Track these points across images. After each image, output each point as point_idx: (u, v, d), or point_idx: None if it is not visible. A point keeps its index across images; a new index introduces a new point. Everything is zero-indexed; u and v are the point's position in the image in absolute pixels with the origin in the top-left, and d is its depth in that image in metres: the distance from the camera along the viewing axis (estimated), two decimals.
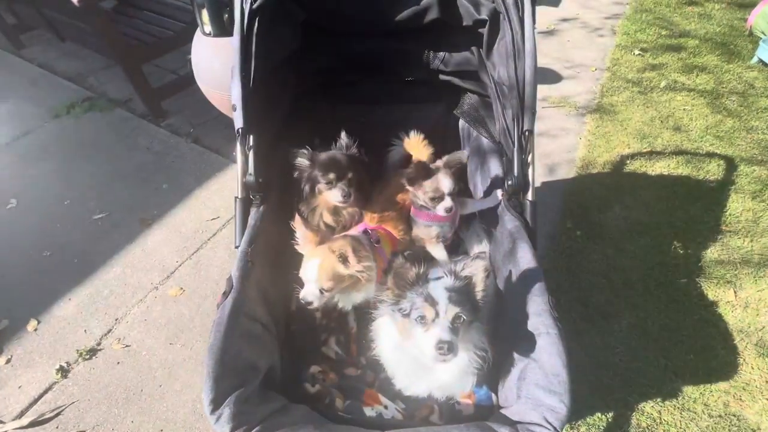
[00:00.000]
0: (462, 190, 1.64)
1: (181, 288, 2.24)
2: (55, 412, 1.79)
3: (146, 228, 2.54)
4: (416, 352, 0.99)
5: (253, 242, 1.17)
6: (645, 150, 3.07)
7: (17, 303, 2.17)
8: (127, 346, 2.01)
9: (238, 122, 1.19)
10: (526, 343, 0.97)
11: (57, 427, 1.76)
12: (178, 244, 2.45)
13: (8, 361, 1.96)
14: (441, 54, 1.55)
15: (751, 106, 3.46)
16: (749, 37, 4.27)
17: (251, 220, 1.24)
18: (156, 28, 3.39)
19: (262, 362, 1.02)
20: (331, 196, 1.45)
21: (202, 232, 2.52)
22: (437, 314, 0.94)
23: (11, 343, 2.02)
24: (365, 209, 1.47)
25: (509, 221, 1.25)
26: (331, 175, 1.42)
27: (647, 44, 4.25)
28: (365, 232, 1.36)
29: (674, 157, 3.01)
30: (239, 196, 1.28)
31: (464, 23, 1.33)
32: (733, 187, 2.79)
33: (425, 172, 1.39)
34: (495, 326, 1.22)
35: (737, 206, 2.65)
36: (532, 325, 0.98)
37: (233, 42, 1.17)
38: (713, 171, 2.91)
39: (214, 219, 2.60)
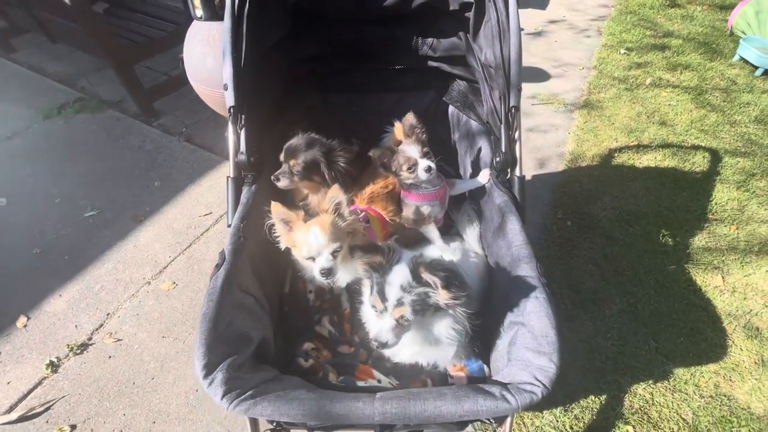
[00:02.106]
0: (448, 172, 1.65)
1: (174, 282, 2.22)
2: (45, 407, 1.76)
3: (138, 224, 2.53)
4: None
5: (245, 219, 1.18)
6: (632, 143, 3.13)
7: (5, 300, 2.14)
8: (119, 340, 1.99)
9: (230, 101, 1.20)
10: (516, 310, 0.99)
11: (47, 421, 1.73)
12: (171, 239, 2.45)
13: None
14: (429, 40, 1.58)
15: (734, 101, 3.55)
16: (730, 36, 4.40)
17: (243, 198, 1.25)
18: (147, 29, 3.41)
19: (254, 333, 1.02)
20: (279, 181, 1.45)
21: (194, 228, 2.51)
22: (385, 309, 0.97)
23: (0, 339, 1.99)
24: (352, 192, 1.47)
25: (498, 197, 1.27)
26: (282, 156, 1.44)
27: (632, 44, 4.36)
28: (354, 211, 1.37)
29: (661, 150, 3.07)
30: (231, 176, 1.29)
31: (451, 8, 1.36)
32: (718, 177, 2.85)
33: (390, 152, 1.39)
34: (486, 304, 1.24)
35: (723, 196, 2.71)
36: (521, 292, 1.00)
37: (224, 23, 1.19)
38: (699, 163, 2.97)
39: (206, 215, 2.59)
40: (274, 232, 1.20)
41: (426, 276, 0.93)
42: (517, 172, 1.28)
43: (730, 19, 4.44)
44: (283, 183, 1.41)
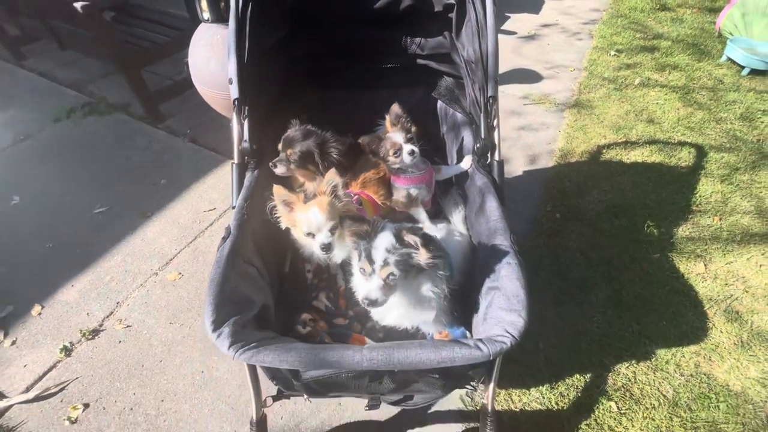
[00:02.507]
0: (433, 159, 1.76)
1: (180, 273, 2.33)
2: (59, 387, 1.87)
3: (146, 220, 2.65)
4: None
5: (248, 200, 1.29)
6: (620, 140, 3.24)
7: (21, 290, 2.25)
8: (128, 326, 2.10)
9: (234, 93, 1.32)
10: (493, 276, 1.09)
11: (61, 401, 1.83)
12: (177, 233, 2.56)
13: (13, 342, 2.03)
14: (417, 39, 1.70)
15: (720, 99, 3.66)
16: (718, 38, 4.52)
17: (246, 182, 1.36)
18: (153, 35, 3.56)
19: (257, 298, 1.13)
20: (277, 168, 1.58)
21: (199, 223, 2.63)
22: (373, 271, 1.08)
23: (16, 326, 2.10)
24: (346, 178, 1.60)
25: (479, 179, 1.38)
26: (279, 146, 1.58)
27: (622, 46, 4.49)
28: (348, 194, 1.48)
29: (648, 146, 3.18)
30: (235, 162, 1.40)
31: (436, 9, 1.49)
32: (703, 171, 2.96)
33: (378, 139, 1.52)
34: (469, 279, 1.34)
35: (707, 189, 2.81)
36: (497, 260, 1.10)
37: (230, 24, 1.31)
38: (684, 158, 3.08)
39: (210, 210, 2.71)
40: (275, 213, 1.32)
41: (408, 238, 1.05)
42: (497, 157, 1.39)
43: (717, 21, 4.56)
44: (280, 170, 1.53)
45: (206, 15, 1.52)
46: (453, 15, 1.43)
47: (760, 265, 2.36)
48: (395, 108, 1.51)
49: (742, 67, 3.98)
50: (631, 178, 2.92)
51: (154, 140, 3.30)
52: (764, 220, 2.60)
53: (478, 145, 1.39)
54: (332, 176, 1.31)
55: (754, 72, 3.93)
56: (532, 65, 4.28)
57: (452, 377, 1.05)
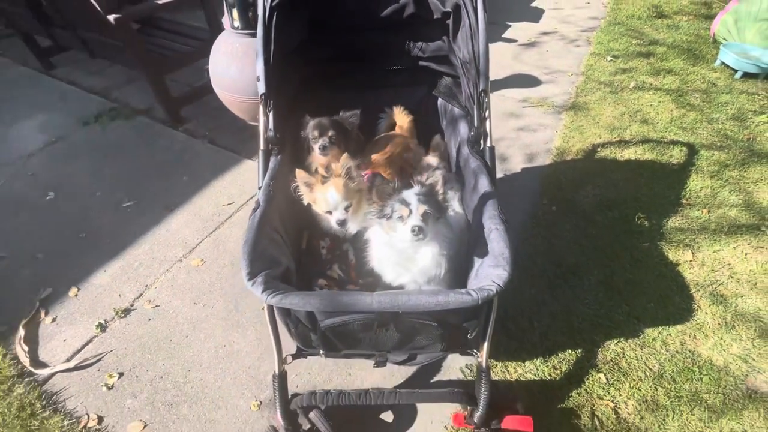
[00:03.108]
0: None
1: (202, 260, 2.53)
2: (97, 358, 2.07)
3: (170, 213, 2.86)
4: (400, 244, 1.31)
5: (273, 179, 1.48)
6: (615, 139, 3.41)
7: (59, 275, 2.47)
8: (156, 306, 2.30)
9: (261, 89, 1.53)
10: (483, 240, 1.26)
11: (98, 370, 2.03)
12: (199, 225, 2.77)
13: (54, 320, 2.24)
14: (419, 43, 1.91)
15: (713, 101, 3.82)
16: (713, 43, 4.69)
17: (271, 164, 1.56)
18: (175, 44, 3.82)
19: (282, 259, 1.31)
20: (315, 149, 1.88)
21: (219, 215, 2.84)
22: (411, 212, 1.29)
23: (55, 306, 2.31)
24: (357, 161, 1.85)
25: (473, 162, 1.56)
26: (315, 132, 1.86)
27: (619, 52, 4.68)
28: (360, 175, 1.68)
29: (641, 145, 3.34)
30: (261, 149, 1.60)
31: (435, 16, 1.69)
32: (693, 168, 3.11)
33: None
34: (462, 248, 1.52)
35: (697, 184, 2.96)
36: (486, 227, 1.27)
37: (258, 30, 1.52)
38: (676, 156, 3.23)
39: (229, 204, 2.92)
40: (298, 192, 1.52)
41: (430, 180, 1.34)
42: (488, 144, 1.57)
43: (712, 27, 4.74)
44: (327, 151, 1.85)
45: (236, 23, 1.75)
46: (450, 21, 1.63)
47: (746, 254, 2.50)
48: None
49: (735, 71, 4.14)
50: (624, 174, 3.08)
51: (175, 141, 3.54)
52: (751, 212, 2.74)
53: (472, 132, 1.58)
54: (346, 160, 1.51)
55: (747, 75, 4.09)
56: (531, 71, 4.47)
57: (449, 327, 1.22)
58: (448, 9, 1.61)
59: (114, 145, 3.52)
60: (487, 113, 1.54)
